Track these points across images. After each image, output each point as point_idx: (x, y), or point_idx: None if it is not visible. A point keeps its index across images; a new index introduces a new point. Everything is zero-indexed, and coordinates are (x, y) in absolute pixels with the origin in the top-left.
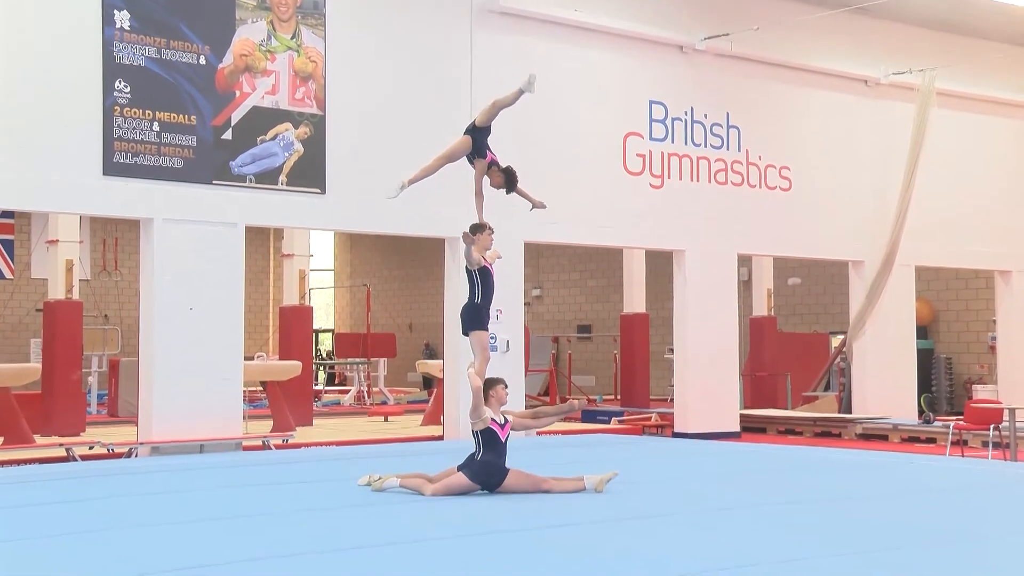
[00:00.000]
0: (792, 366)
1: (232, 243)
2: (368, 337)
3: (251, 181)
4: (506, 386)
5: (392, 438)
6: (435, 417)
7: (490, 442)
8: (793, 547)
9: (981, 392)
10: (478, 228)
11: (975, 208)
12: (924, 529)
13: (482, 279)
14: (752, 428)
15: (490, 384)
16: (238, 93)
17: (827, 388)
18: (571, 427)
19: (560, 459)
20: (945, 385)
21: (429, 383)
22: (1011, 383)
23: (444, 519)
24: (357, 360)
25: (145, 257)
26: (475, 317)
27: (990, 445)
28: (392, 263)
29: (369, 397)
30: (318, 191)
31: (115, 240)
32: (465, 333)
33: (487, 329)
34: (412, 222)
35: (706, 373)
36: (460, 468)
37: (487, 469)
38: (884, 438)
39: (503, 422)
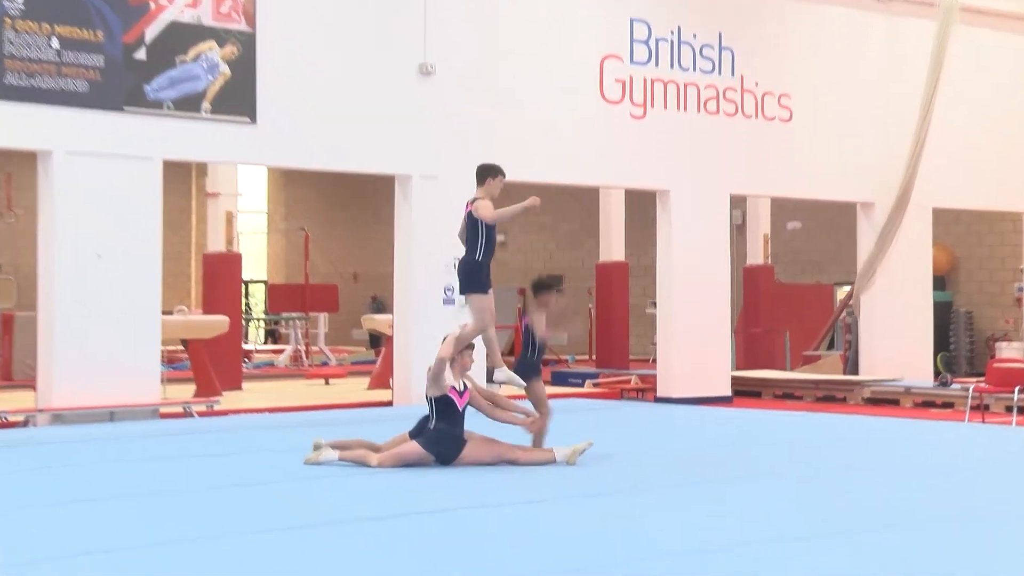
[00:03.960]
0: (791, 322)
1: (147, 180)
2: (306, 289)
3: (169, 108)
4: (473, 350)
5: (334, 404)
6: (383, 380)
7: (446, 411)
8: (784, 525)
9: (1005, 350)
10: (496, 171)
11: (1002, 142)
12: (935, 505)
13: (487, 233)
14: (745, 392)
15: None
16: (153, 6)
17: (831, 347)
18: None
19: (519, 428)
20: (965, 343)
21: (376, 341)
22: None
23: (393, 495)
24: (294, 315)
25: (44, 196)
26: (476, 277)
27: (1014, 410)
28: (334, 204)
29: (307, 357)
30: (247, 120)
31: (8, 176)
32: (463, 293)
33: (488, 292)
34: (358, 157)
35: (693, 330)
36: (412, 435)
37: (440, 439)
38: (895, 403)
39: (462, 390)
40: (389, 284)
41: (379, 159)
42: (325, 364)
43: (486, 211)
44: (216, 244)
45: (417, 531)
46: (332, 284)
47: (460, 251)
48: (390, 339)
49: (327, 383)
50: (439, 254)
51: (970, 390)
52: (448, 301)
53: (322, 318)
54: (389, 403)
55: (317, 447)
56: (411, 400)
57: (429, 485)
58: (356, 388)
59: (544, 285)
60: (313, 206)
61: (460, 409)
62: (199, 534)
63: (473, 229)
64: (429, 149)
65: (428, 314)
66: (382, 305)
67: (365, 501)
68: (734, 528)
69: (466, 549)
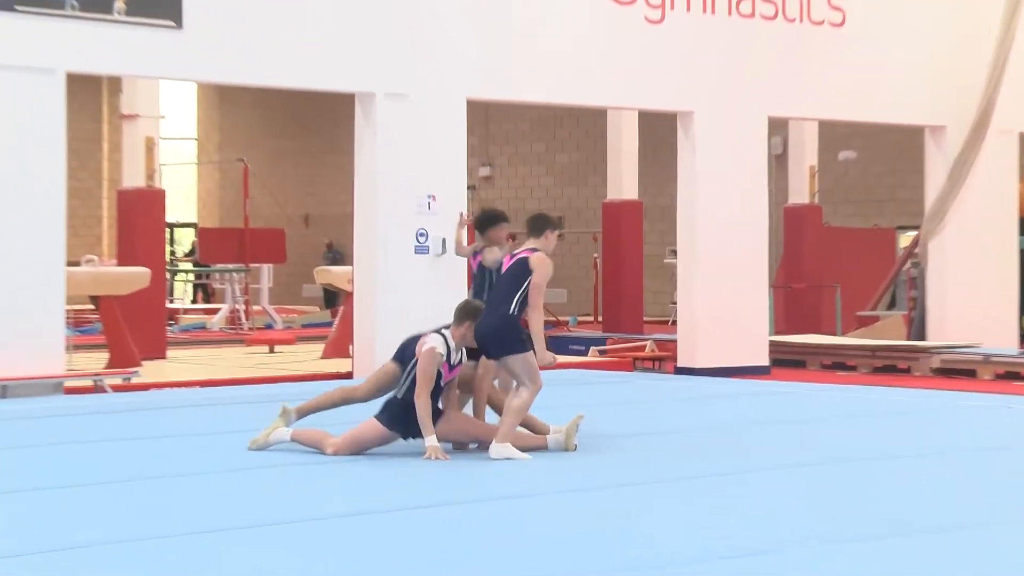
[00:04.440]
0: (843, 275)
1: (47, 98)
2: (245, 234)
3: (73, 8)
4: (475, 322)
5: (280, 376)
6: (340, 347)
7: None
8: (829, 525)
9: None
10: (556, 226)
11: None
12: (1020, 501)
13: (527, 291)
14: (786, 361)
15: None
16: None
17: (891, 306)
18: None
19: None
20: None
21: (332, 299)
22: None
23: (351, 489)
24: (230, 267)
25: None
26: (515, 334)
27: None
28: (280, 130)
29: (247, 319)
30: (171, 25)
31: None
32: (496, 356)
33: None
34: (309, 71)
35: (722, 285)
36: (377, 415)
37: (409, 411)
38: (971, 374)
39: (455, 363)
40: (348, 228)
41: (335, 74)
42: (269, 327)
43: (543, 273)
44: (133, 179)
45: (376, 531)
46: (278, 228)
47: (436, 187)
48: (349, 296)
49: (272, 350)
50: (409, 191)
51: None
52: (421, 249)
53: (265, 270)
54: (348, 375)
55: (284, 413)
56: (374, 370)
57: (396, 477)
58: (307, 356)
59: (491, 218)
60: (254, 132)
61: (442, 383)
62: (110, 537)
63: (517, 281)
64: (396, 62)
65: (396, 265)
66: (339, 255)
67: (312, 497)
68: (765, 528)
69: (434, 553)
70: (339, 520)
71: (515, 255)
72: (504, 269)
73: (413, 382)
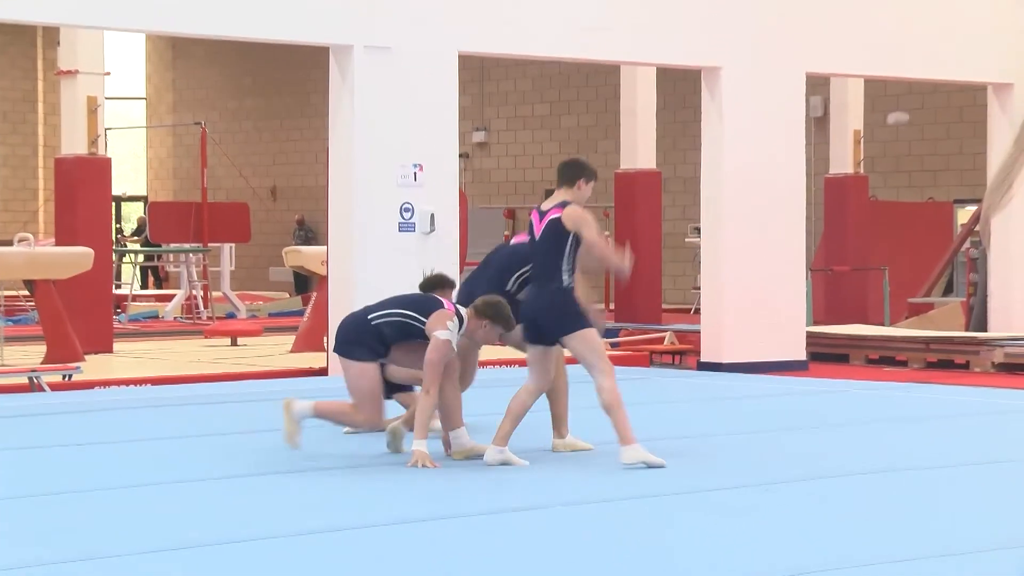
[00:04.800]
0: (893, 256)
1: None
2: (204, 209)
3: None
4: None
5: (244, 373)
6: (313, 339)
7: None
8: (876, 542)
9: None
10: (592, 174)
11: None
12: None
13: (575, 250)
14: (827, 356)
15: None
16: None
17: (948, 291)
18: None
19: (504, 405)
20: None
21: (304, 284)
22: None
23: (316, 499)
24: (186, 247)
25: None
26: (571, 308)
27: None
28: (243, 89)
29: (206, 307)
30: None
31: None
32: (557, 336)
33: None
34: (276, 20)
35: (753, 268)
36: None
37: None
38: None
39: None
40: (322, 203)
41: (307, 23)
42: (231, 316)
43: (588, 226)
44: (73, 145)
45: (354, 549)
46: (241, 203)
47: (423, 155)
48: (323, 281)
49: (234, 343)
50: (392, 159)
51: None
52: (406, 226)
53: (227, 251)
54: (323, 371)
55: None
56: None
57: (375, 492)
58: (275, 350)
59: (435, 283)
60: (212, 92)
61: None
62: (53, 556)
63: (558, 245)
64: (378, 9)
65: (377, 245)
66: (312, 233)
67: (283, 511)
68: (802, 549)
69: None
70: (305, 537)
71: (545, 213)
72: (537, 233)
73: (397, 320)
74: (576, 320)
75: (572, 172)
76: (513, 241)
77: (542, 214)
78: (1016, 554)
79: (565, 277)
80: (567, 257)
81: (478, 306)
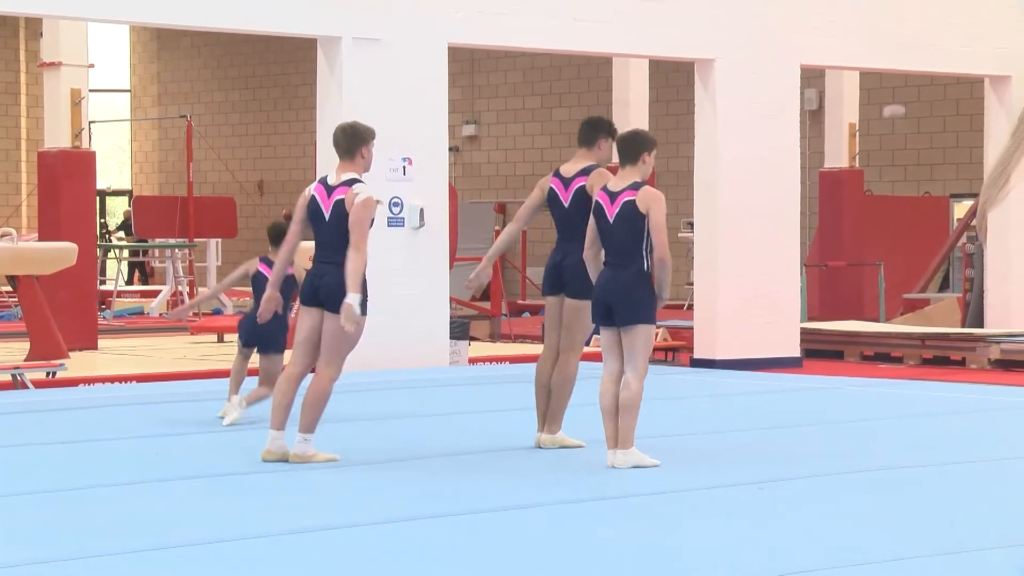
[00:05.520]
0: (888, 251)
1: None
2: (190, 204)
3: None
4: None
5: (231, 370)
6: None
7: None
8: (875, 541)
9: None
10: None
11: None
12: None
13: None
14: (822, 352)
15: None
16: None
17: (944, 287)
18: (519, 351)
19: (494, 403)
20: None
21: (291, 281)
22: None
23: (304, 498)
24: (172, 242)
25: None
26: (649, 298)
27: None
28: (229, 82)
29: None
30: None
31: None
32: (620, 324)
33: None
34: (263, 11)
35: (747, 263)
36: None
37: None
38: None
39: None
40: None
41: (294, 14)
42: (218, 313)
43: (660, 209)
44: (57, 138)
45: (345, 547)
46: (227, 197)
47: (412, 149)
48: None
49: (220, 340)
50: (381, 153)
51: None
52: (395, 221)
53: (213, 246)
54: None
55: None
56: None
57: (367, 489)
58: None
59: (279, 232)
60: (198, 84)
61: None
62: (37, 556)
63: (636, 228)
64: (366, 0)
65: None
66: None
67: (272, 509)
68: (801, 548)
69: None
70: (296, 536)
71: (616, 195)
72: (610, 214)
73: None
74: (648, 312)
75: (634, 148)
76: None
77: (612, 196)
78: (1017, 552)
79: (644, 261)
80: (647, 242)
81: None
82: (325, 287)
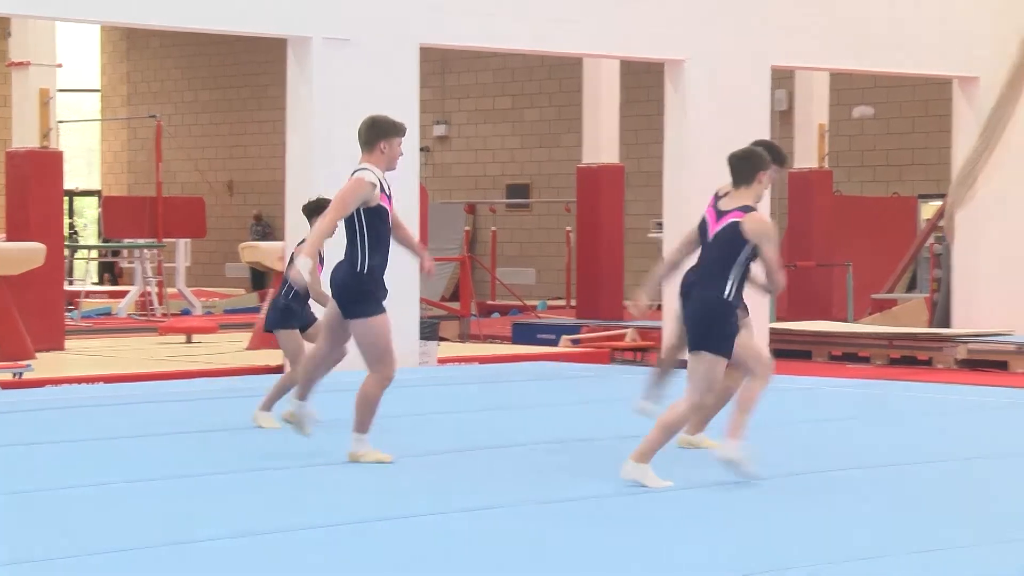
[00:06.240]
0: (857, 251)
1: None
2: (159, 204)
3: None
4: None
5: (199, 370)
6: (269, 336)
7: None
8: (839, 541)
9: None
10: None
11: None
12: None
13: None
14: (791, 352)
15: None
16: None
17: (912, 287)
18: (489, 352)
19: (463, 403)
20: None
21: (260, 280)
22: None
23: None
24: (140, 242)
25: None
26: (726, 320)
27: None
28: (198, 81)
29: (161, 303)
30: None
31: None
32: (702, 349)
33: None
34: (233, 11)
35: None
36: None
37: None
38: (1002, 366)
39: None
40: (279, 197)
41: (264, 14)
42: (186, 313)
43: (769, 239)
44: (25, 138)
45: (316, 547)
46: (197, 197)
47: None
48: (280, 277)
49: (189, 340)
50: (350, 153)
51: None
52: None
53: (182, 247)
54: (279, 369)
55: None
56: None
57: (332, 489)
58: (231, 347)
59: (314, 208)
60: (169, 84)
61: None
62: (4, 558)
63: (732, 251)
64: (337, 0)
65: (335, 241)
66: (270, 228)
67: (240, 509)
68: (763, 548)
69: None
70: (266, 536)
71: (724, 215)
72: (711, 232)
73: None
74: (722, 340)
75: (749, 167)
76: None
77: (719, 213)
78: (992, 550)
79: (728, 286)
80: (736, 268)
81: (363, 140)
82: (332, 284)
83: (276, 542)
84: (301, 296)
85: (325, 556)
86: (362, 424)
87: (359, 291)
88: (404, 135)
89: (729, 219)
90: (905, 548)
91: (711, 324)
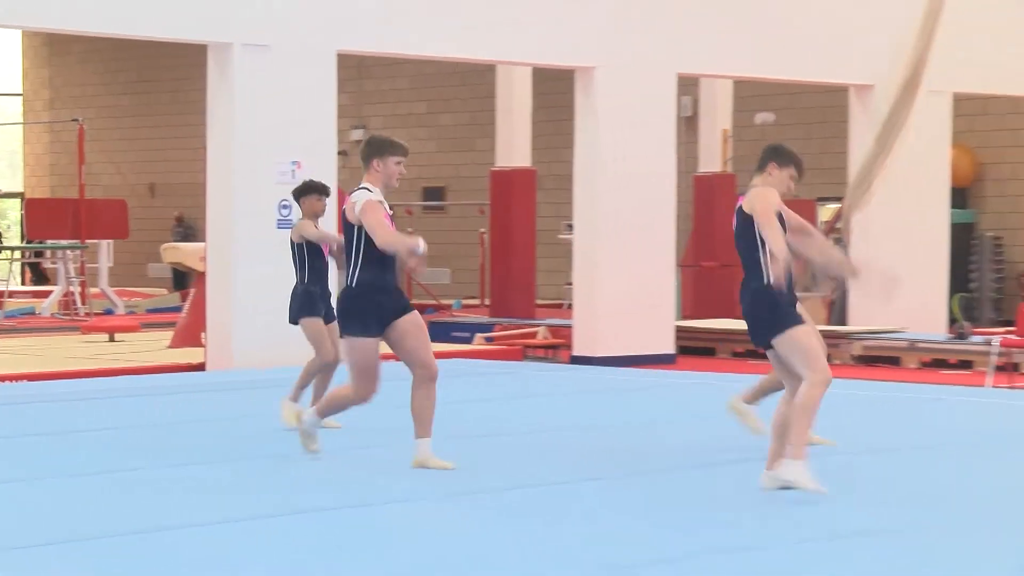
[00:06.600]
0: None
1: None
2: (81, 206)
3: None
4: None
5: (122, 368)
6: (191, 334)
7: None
8: (727, 530)
9: None
10: (790, 159)
11: None
12: (943, 500)
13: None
14: (695, 349)
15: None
16: None
17: (811, 287)
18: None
19: (384, 399)
20: (990, 280)
21: (182, 281)
22: None
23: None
24: (63, 243)
25: None
26: (778, 308)
27: None
28: (120, 85)
29: (84, 303)
30: None
31: None
32: (764, 341)
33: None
34: (154, 17)
35: (624, 264)
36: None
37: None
38: (895, 362)
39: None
40: (200, 199)
41: (184, 20)
42: (109, 312)
43: (761, 206)
44: None
45: (236, 541)
46: (119, 199)
47: (301, 153)
48: (202, 277)
49: (111, 339)
50: (271, 156)
51: (995, 344)
52: (284, 223)
53: (105, 247)
54: (201, 367)
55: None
56: (231, 363)
57: (240, 484)
58: (154, 346)
59: (307, 189)
60: (90, 88)
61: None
62: None
63: (748, 236)
64: (257, 7)
65: (255, 242)
66: (191, 229)
67: (166, 504)
68: (657, 538)
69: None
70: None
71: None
72: (733, 228)
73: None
74: (775, 324)
75: (764, 157)
76: None
77: (736, 209)
78: (889, 539)
79: (764, 272)
80: (763, 251)
81: (365, 156)
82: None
83: (176, 537)
84: (323, 283)
85: (215, 551)
86: (421, 429)
87: (344, 308)
88: (403, 155)
89: (736, 206)
90: (795, 537)
91: (758, 314)
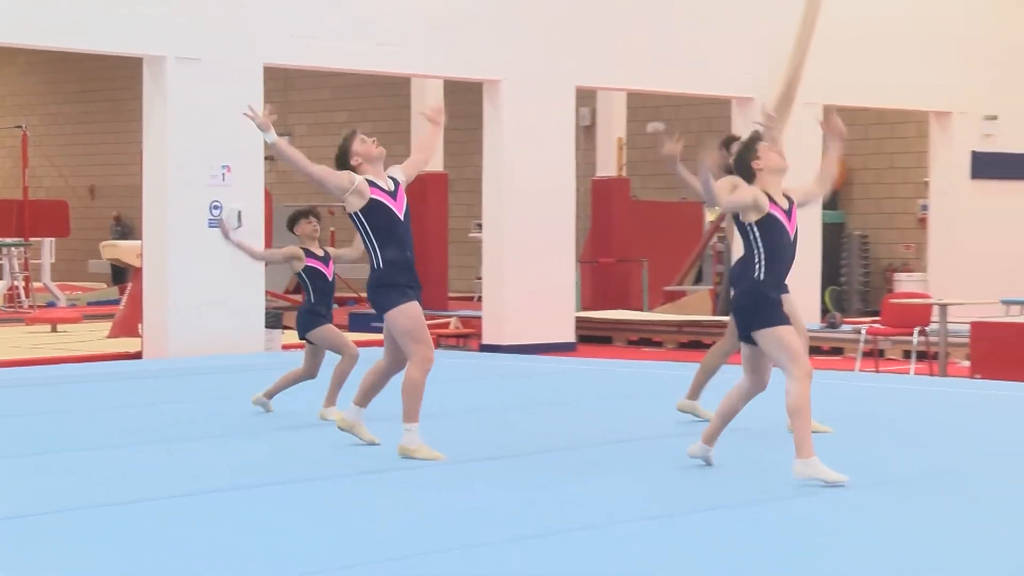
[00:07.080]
0: (651, 249)
1: None
2: (25, 206)
3: None
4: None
5: (64, 357)
6: (129, 326)
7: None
8: (612, 503)
9: (904, 283)
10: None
11: (912, 23)
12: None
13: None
14: (593, 338)
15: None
16: None
17: (698, 280)
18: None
19: (307, 386)
20: (859, 274)
21: (120, 275)
22: (945, 270)
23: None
24: (8, 241)
25: None
26: (763, 303)
27: (913, 355)
28: (62, 94)
29: (27, 296)
30: None
31: None
32: (749, 332)
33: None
34: (92, 31)
35: (529, 259)
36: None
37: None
38: None
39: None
40: (137, 200)
41: (121, 35)
42: (52, 305)
43: (721, 186)
44: None
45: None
46: (61, 200)
47: (230, 158)
48: (138, 272)
49: (54, 330)
50: (202, 161)
51: (862, 332)
52: (215, 223)
53: (47, 245)
54: (138, 355)
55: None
56: (166, 352)
57: (184, 462)
58: (93, 336)
59: (296, 216)
60: (34, 97)
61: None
62: None
63: (742, 232)
64: (189, 23)
65: (188, 240)
66: (128, 228)
67: (113, 482)
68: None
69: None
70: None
71: None
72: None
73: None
74: (766, 318)
75: (738, 159)
76: None
77: None
78: (770, 507)
79: (760, 270)
80: (756, 247)
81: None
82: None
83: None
84: (327, 302)
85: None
86: (410, 414)
87: (379, 286)
88: (358, 132)
89: None
90: (672, 510)
91: (750, 303)
